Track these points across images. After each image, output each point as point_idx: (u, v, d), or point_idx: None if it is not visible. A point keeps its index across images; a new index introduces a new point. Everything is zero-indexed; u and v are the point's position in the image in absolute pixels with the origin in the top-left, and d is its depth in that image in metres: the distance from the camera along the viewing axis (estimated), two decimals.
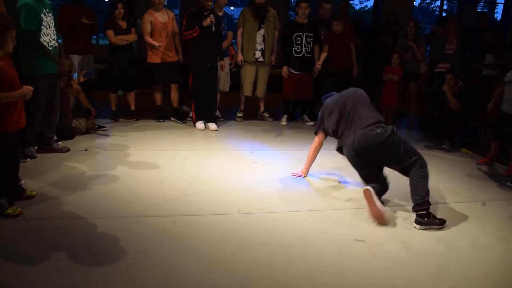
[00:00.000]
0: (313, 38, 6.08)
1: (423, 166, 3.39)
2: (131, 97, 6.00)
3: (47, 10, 4.08)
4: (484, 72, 6.64)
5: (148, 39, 5.56)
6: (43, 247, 2.70)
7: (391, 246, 2.98)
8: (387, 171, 3.65)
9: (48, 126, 4.35)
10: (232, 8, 20.56)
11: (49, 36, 4.09)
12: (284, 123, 6.30)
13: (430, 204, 3.28)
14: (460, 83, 5.40)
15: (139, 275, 2.49)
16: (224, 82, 6.16)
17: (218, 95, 6.06)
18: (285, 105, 6.41)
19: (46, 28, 4.05)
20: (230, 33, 6.15)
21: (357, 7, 23.69)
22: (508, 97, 4.62)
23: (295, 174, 4.19)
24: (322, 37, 6.23)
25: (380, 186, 3.48)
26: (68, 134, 4.87)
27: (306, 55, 6.06)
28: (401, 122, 6.59)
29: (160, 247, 2.80)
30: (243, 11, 6.18)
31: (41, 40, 4.00)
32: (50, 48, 4.11)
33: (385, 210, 3.37)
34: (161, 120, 6.01)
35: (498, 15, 14.88)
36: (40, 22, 3.96)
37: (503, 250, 3.02)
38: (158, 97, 5.98)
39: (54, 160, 4.25)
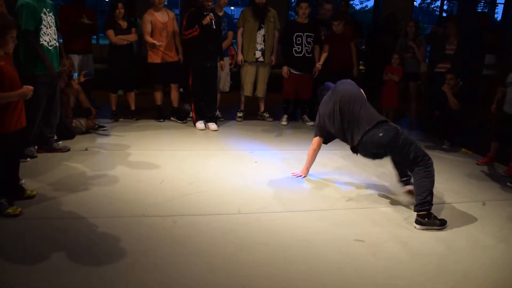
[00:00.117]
0: (314, 38, 6.08)
1: (428, 166, 3.35)
2: (131, 97, 6.00)
3: (48, 10, 4.08)
4: (484, 72, 6.65)
5: (149, 38, 5.56)
6: (43, 247, 2.70)
7: (391, 246, 2.98)
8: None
9: (48, 125, 4.35)
10: (232, 8, 20.56)
11: (49, 36, 4.08)
12: (284, 123, 6.30)
13: (431, 204, 3.28)
14: (460, 83, 5.40)
15: (139, 275, 2.50)
16: (224, 82, 6.16)
17: (218, 95, 6.06)
18: (285, 105, 6.41)
19: (47, 28, 4.05)
20: (230, 33, 6.15)
21: (357, 7, 23.72)
22: (510, 98, 4.61)
23: (295, 174, 4.20)
24: (323, 37, 6.23)
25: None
26: (68, 133, 4.87)
27: (307, 55, 6.05)
28: (401, 122, 6.58)
29: (160, 247, 2.80)
30: (243, 11, 6.18)
31: (41, 39, 4.00)
32: (50, 48, 4.11)
33: None
34: (161, 120, 6.01)
35: (498, 15, 14.89)
36: (39, 22, 3.96)
37: (503, 250, 3.02)
38: (158, 97, 5.98)
39: (54, 160, 4.25)
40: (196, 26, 5.34)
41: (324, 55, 6.08)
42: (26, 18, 3.84)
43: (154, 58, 5.70)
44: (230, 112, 6.50)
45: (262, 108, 6.51)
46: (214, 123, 5.76)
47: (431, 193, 3.30)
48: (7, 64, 3.04)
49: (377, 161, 4.68)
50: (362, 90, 3.86)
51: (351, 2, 15.96)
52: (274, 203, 3.58)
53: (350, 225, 3.28)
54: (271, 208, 3.47)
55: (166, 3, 5.88)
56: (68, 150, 4.52)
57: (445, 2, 13.57)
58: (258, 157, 4.72)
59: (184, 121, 6.00)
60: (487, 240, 3.15)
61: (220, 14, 5.89)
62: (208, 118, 5.78)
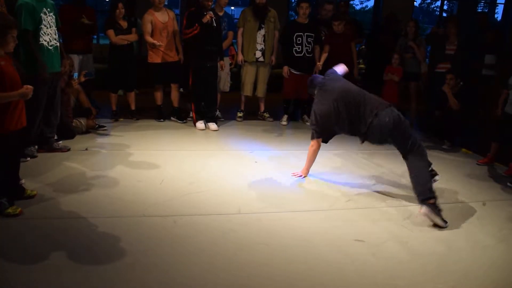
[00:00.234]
0: (314, 38, 6.08)
1: (423, 155, 3.49)
2: (132, 97, 6.00)
3: (49, 9, 4.08)
4: (484, 72, 6.64)
5: (149, 38, 5.56)
6: (43, 246, 2.70)
7: (391, 246, 2.98)
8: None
9: (49, 125, 4.36)
10: (232, 8, 20.56)
11: (49, 36, 4.08)
12: (284, 123, 6.30)
13: (434, 193, 3.31)
14: (461, 83, 5.40)
15: (139, 274, 2.50)
16: (224, 82, 6.16)
17: (219, 95, 6.06)
18: (285, 105, 6.41)
19: (47, 28, 4.04)
20: (230, 33, 6.15)
21: (357, 7, 23.72)
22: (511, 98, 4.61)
23: (295, 174, 4.19)
24: (323, 37, 6.23)
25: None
26: (69, 133, 4.87)
27: (307, 55, 6.05)
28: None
29: (160, 247, 2.80)
30: (244, 11, 6.18)
31: (41, 39, 4.00)
32: (51, 48, 4.10)
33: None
34: (162, 120, 6.01)
35: (499, 16, 14.89)
36: (39, 21, 3.95)
37: (503, 251, 3.03)
38: (158, 96, 5.98)
39: (55, 159, 4.25)
40: (197, 24, 5.34)
41: (324, 55, 6.08)
42: (24, 18, 3.84)
43: (155, 58, 5.70)
44: (230, 112, 6.49)
45: (262, 108, 6.51)
46: (214, 123, 5.76)
47: (431, 181, 3.37)
48: (7, 64, 3.03)
49: (377, 161, 4.71)
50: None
51: (351, 2, 15.97)
52: (274, 203, 3.58)
53: (350, 225, 3.28)
54: (271, 208, 3.47)
55: (166, 3, 5.89)
56: (68, 150, 4.52)
57: (445, 2, 13.57)
58: (258, 157, 4.72)
59: (184, 121, 6.00)
60: (487, 240, 3.15)
61: (220, 14, 5.89)
62: (208, 118, 5.78)
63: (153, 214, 3.23)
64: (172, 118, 6.06)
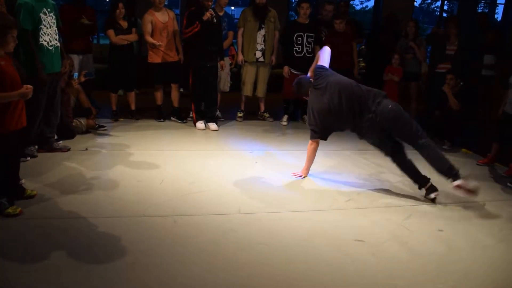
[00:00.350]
0: (314, 38, 6.08)
1: (428, 138, 3.79)
2: (132, 97, 6.00)
3: (49, 9, 4.08)
4: (483, 72, 6.64)
5: (149, 38, 5.56)
6: (44, 246, 2.70)
7: (391, 246, 2.98)
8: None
9: (49, 125, 4.36)
10: (232, 8, 20.56)
11: (49, 36, 4.08)
12: (284, 123, 6.30)
13: (455, 168, 3.62)
14: (461, 83, 5.40)
15: (139, 274, 2.50)
16: (224, 82, 6.16)
17: (219, 95, 6.06)
18: (285, 105, 6.41)
19: (47, 28, 4.04)
20: (230, 33, 6.15)
21: (358, 7, 23.73)
22: (511, 98, 4.61)
23: (295, 174, 4.19)
24: (323, 37, 6.23)
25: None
26: (69, 133, 4.87)
27: (307, 55, 6.05)
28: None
29: (160, 246, 2.80)
30: (244, 11, 6.18)
31: (41, 39, 4.00)
32: (51, 48, 4.10)
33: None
34: (162, 120, 6.01)
35: (499, 16, 14.89)
36: (39, 21, 3.95)
37: (503, 251, 3.03)
38: (158, 96, 5.98)
39: (55, 159, 4.25)
40: (197, 22, 5.34)
41: None
42: (23, 18, 3.84)
43: (155, 58, 5.70)
44: (230, 112, 6.49)
45: (262, 108, 6.51)
46: (214, 123, 5.76)
47: (448, 160, 3.65)
48: (7, 64, 3.03)
49: (377, 161, 4.71)
50: None
51: (351, 2, 15.97)
52: (274, 203, 3.58)
53: (350, 225, 3.28)
54: (271, 208, 3.47)
55: (166, 3, 5.89)
56: (69, 150, 4.52)
57: (445, 2, 13.57)
58: (258, 157, 4.72)
59: (184, 121, 6.00)
60: (487, 240, 3.15)
61: (221, 14, 5.89)
62: (208, 118, 5.78)
63: (153, 214, 3.23)
64: (172, 118, 6.06)
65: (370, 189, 3.99)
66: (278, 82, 6.46)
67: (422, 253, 2.92)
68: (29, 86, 3.04)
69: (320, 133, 3.95)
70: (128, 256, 2.66)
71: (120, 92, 6.21)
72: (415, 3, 12.36)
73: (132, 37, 5.76)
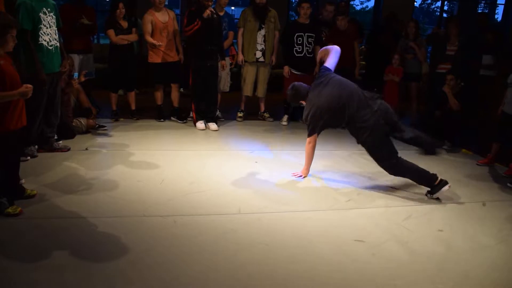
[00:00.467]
0: (315, 38, 6.08)
1: None
2: (132, 97, 6.01)
3: (49, 9, 4.08)
4: (482, 72, 6.63)
5: (149, 38, 5.56)
6: (44, 245, 2.71)
7: (391, 246, 2.98)
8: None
9: (49, 125, 4.36)
10: (233, 8, 20.55)
11: (49, 36, 4.08)
12: (284, 123, 6.30)
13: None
14: (462, 83, 5.41)
15: (140, 274, 2.50)
16: (224, 82, 6.16)
17: (219, 95, 6.06)
18: (285, 105, 6.41)
19: (46, 28, 4.04)
20: (231, 33, 6.15)
21: (358, 8, 23.72)
22: (510, 98, 4.61)
23: (295, 174, 4.20)
24: (323, 38, 6.24)
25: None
26: (69, 133, 4.87)
27: (307, 55, 6.05)
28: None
29: (160, 246, 2.80)
30: (244, 11, 6.18)
31: (40, 39, 4.00)
32: (51, 48, 4.10)
33: None
34: (162, 119, 6.01)
35: (499, 16, 14.88)
36: (38, 21, 3.95)
37: (503, 251, 3.03)
38: (158, 96, 5.98)
39: (55, 159, 4.25)
40: (197, 19, 5.33)
41: None
42: (23, 17, 3.84)
43: (155, 58, 5.70)
44: (231, 112, 6.50)
45: (262, 108, 6.51)
46: (214, 123, 5.76)
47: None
48: (6, 63, 3.04)
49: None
50: None
51: (352, 2, 15.97)
52: (274, 203, 3.58)
53: (350, 225, 3.28)
54: (271, 208, 3.47)
55: (166, 3, 5.89)
56: (69, 149, 4.52)
57: (445, 2, 13.57)
58: (258, 157, 4.72)
59: (184, 121, 6.00)
60: (487, 240, 3.15)
61: (221, 14, 5.89)
62: (208, 118, 5.78)
63: (153, 214, 3.23)
64: (172, 118, 6.06)
65: (370, 189, 4.00)
66: (278, 82, 6.46)
67: (422, 253, 2.92)
68: (28, 85, 3.05)
69: (319, 128, 3.95)
70: (128, 256, 2.67)
71: (120, 92, 6.21)
72: (415, 3, 12.36)
73: (132, 37, 5.76)
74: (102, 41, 10.34)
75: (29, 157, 4.15)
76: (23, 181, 3.48)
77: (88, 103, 5.34)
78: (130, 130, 5.49)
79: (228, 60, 6.22)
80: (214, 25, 5.46)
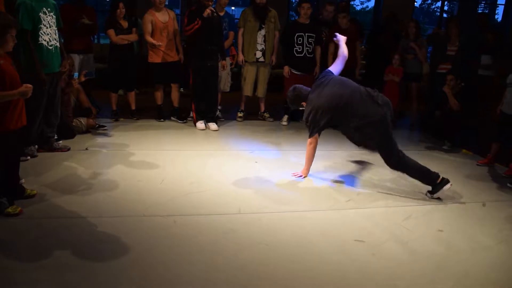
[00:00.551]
0: (315, 39, 6.08)
1: None
2: (132, 97, 6.00)
3: (49, 9, 4.07)
4: (480, 72, 6.63)
5: (149, 38, 5.56)
6: (44, 245, 2.71)
7: (391, 246, 2.98)
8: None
9: (49, 125, 4.36)
10: (233, 8, 20.56)
11: (49, 36, 4.08)
12: (284, 123, 6.30)
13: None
14: (462, 84, 5.41)
15: (140, 274, 2.50)
16: (225, 82, 6.16)
17: (219, 95, 6.06)
18: (285, 105, 6.39)
19: (46, 28, 4.04)
20: (231, 33, 6.15)
21: (358, 8, 23.73)
22: (509, 98, 4.61)
23: (295, 174, 4.19)
24: (324, 38, 6.23)
25: None
26: (69, 133, 4.87)
27: (308, 55, 6.05)
28: (402, 122, 6.59)
29: (161, 246, 2.80)
30: (244, 11, 6.18)
31: (40, 39, 3.99)
32: (51, 48, 4.10)
33: None
34: (162, 119, 6.01)
35: (499, 17, 14.88)
36: (38, 21, 3.95)
37: (503, 251, 3.03)
38: (159, 96, 5.98)
39: (55, 159, 4.25)
40: (198, 19, 5.33)
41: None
42: (22, 17, 3.84)
43: (155, 58, 5.70)
44: (231, 112, 6.50)
45: (262, 108, 6.51)
46: (214, 123, 5.76)
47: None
48: (6, 63, 3.04)
49: (377, 161, 4.70)
50: None
51: (352, 2, 15.97)
52: (274, 203, 3.58)
53: (350, 225, 3.28)
54: (271, 208, 3.47)
55: (166, 3, 5.89)
56: (69, 149, 4.52)
57: (445, 3, 13.57)
58: (258, 157, 4.72)
59: (185, 121, 6.00)
60: (487, 241, 3.15)
61: (221, 14, 5.89)
62: (208, 118, 5.78)
63: (153, 214, 3.23)
64: (172, 118, 6.06)
65: (370, 189, 3.99)
66: (278, 82, 6.46)
67: (422, 253, 2.92)
68: (28, 85, 3.05)
69: (321, 127, 3.95)
70: (128, 256, 2.67)
71: (120, 91, 6.21)
72: (415, 3, 12.36)
73: (133, 37, 5.76)
74: (102, 41, 10.34)
75: (29, 157, 4.15)
76: (23, 181, 3.48)
77: (88, 103, 5.33)
78: (130, 130, 5.49)
79: (228, 60, 6.22)
80: (214, 24, 5.46)
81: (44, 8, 4.01)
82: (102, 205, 3.33)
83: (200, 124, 5.72)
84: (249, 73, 6.21)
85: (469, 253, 2.97)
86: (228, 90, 6.31)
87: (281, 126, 6.22)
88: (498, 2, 14.88)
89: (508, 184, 4.29)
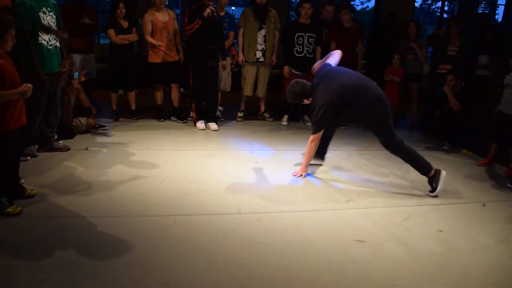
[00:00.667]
0: (315, 39, 6.08)
1: None
2: (132, 97, 6.01)
3: (49, 9, 4.07)
4: (478, 72, 6.63)
5: (149, 38, 5.56)
6: (45, 245, 2.71)
7: (391, 246, 2.98)
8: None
9: (49, 125, 4.36)
10: (233, 8, 20.56)
11: (49, 35, 4.08)
12: (284, 123, 6.30)
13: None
14: (462, 84, 5.41)
15: (140, 274, 2.50)
16: (225, 81, 6.17)
17: (219, 94, 6.06)
18: (285, 105, 6.40)
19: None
20: (231, 33, 6.16)
21: (358, 8, 23.73)
22: (507, 99, 4.62)
23: (295, 174, 4.19)
24: (324, 38, 6.23)
25: None
26: (69, 133, 4.87)
27: (308, 55, 6.05)
28: (402, 122, 6.59)
29: (160, 246, 2.80)
30: (244, 11, 6.18)
31: (40, 39, 3.99)
32: (50, 48, 4.10)
33: None
34: (162, 119, 6.01)
35: (499, 17, 14.89)
36: (37, 21, 3.95)
37: (503, 251, 3.02)
38: (159, 96, 5.98)
39: (55, 159, 4.25)
40: (198, 18, 5.33)
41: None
42: (22, 17, 3.84)
43: (155, 57, 5.70)
44: (231, 112, 6.50)
45: (262, 108, 6.51)
46: (214, 123, 5.76)
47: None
48: (6, 63, 3.04)
49: (377, 161, 4.71)
50: None
51: (352, 2, 15.96)
52: (274, 203, 3.58)
53: (350, 225, 3.28)
54: (271, 208, 3.47)
55: (167, 2, 5.89)
56: (69, 149, 4.52)
57: (446, 3, 13.57)
58: (258, 157, 4.72)
59: (185, 121, 6.01)
60: (487, 241, 3.15)
61: (222, 14, 5.89)
62: (208, 118, 5.79)
63: (153, 214, 3.23)
64: (172, 118, 6.06)
65: (370, 189, 3.99)
66: (278, 82, 6.46)
67: (422, 253, 2.92)
68: (28, 84, 3.05)
69: (326, 123, 3.95)
70: (129, 255, 2.67)
71: (120, 91, 6.21)
72: (415, 3, 12.36)
73: (133, 36, 5.76)
74: (102, 41, 10.34)
75: (29, 157, 4.15)
76: (23, 180, 3.48)
77: (88, 103, 5.34)
78: (130, 130, 5.49)
79: (228, 60, 6.22)
80: (215, 24, 5.46)
81: (44, 8, 4.01)
82: (102, 205, 3.33)
83: (200, 124, 5.72)
84: (249, 73, 6.21)
85: (469, 253, 2.97)
86: (228, 90, 6.31)
87: (281, 126, 6.22)
88: (498, 2, 14.88)
89: (508, 184, 4.29)
